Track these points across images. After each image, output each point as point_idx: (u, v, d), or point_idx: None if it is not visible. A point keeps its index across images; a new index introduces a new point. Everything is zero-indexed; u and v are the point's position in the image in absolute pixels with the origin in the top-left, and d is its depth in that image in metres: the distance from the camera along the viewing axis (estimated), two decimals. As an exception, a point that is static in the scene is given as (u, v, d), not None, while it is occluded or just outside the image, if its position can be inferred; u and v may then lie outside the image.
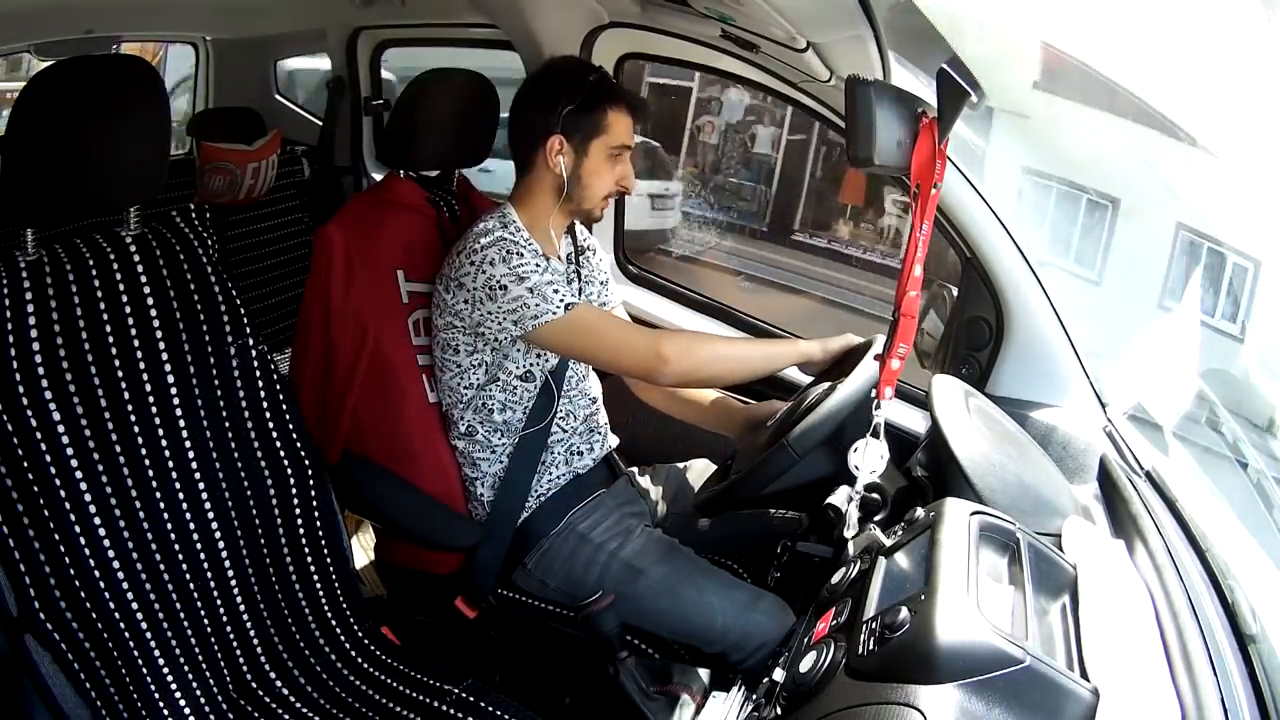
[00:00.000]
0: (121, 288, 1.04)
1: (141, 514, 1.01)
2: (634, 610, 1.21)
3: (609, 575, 1.24)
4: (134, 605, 0.99)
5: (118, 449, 1.00)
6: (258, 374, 1.15)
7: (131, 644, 0.98)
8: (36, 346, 0.96)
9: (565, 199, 1.28)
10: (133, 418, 1.02)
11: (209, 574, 1.07)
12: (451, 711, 1.07)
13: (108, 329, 1.02)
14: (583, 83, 1.26)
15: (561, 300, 1.19)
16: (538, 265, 1.20)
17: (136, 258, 1.06)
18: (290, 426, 1.17)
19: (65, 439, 0.96)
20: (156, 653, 1.00)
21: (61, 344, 0.98)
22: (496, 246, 1.19)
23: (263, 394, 1.15)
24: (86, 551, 0.96)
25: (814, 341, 1.27)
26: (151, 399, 1.04)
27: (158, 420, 1.04)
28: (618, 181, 1.29)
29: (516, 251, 1.19)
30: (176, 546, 1.03)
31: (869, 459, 1.04)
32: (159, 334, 1.05)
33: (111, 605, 0.97)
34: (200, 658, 1.04)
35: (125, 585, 0.98)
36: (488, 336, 1.23)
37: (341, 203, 2.37)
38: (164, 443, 1.04)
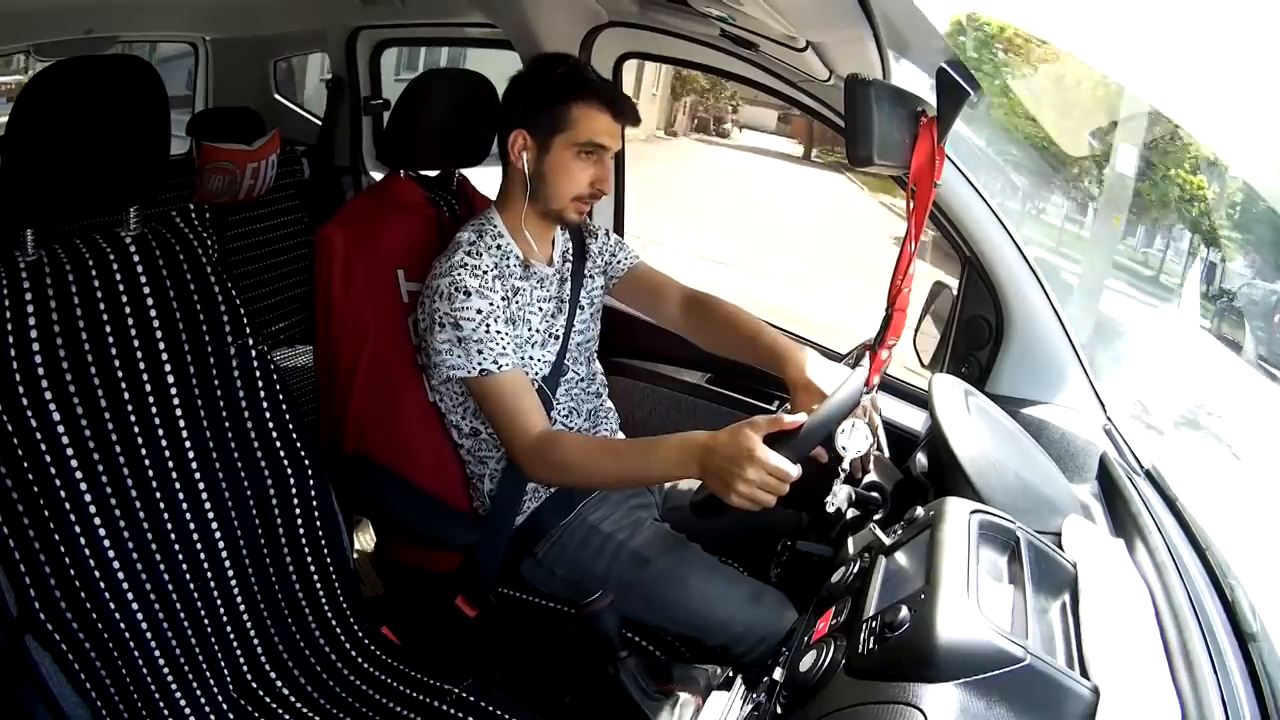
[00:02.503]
0: (121, 288, 1.04)
1: (141, 514, 1.01)
2: (640, 599, 1.21)
3: (617, 564, 1.25)
4: (134, 605, 0.98)
5: (118, 449, 1.00)
6: (258, 374, 1.15)
7: (131, 644, 0.98)
8: (36, 347, 0.96)
9: (531, 197, 1.25)
10: (133, 418, 1.02)
11: (209, 574, 1.07)
12: (451, 711, 1.07)
13: (107, 329, 1.02)
14: (549, 75, 1.22)
15: (479, 364, 1.16)
16: (479, 310, 1.16)
17: (136, 258, 1.06)
18: (290, 426, 1.17)
19: (65, 439, 0.96)
20: (156, 653, 1.00)
21: (61, 344, 0.98)
22: (451, 276, 1.17)
23: (263, 394, 1.15)
24: (86, 551, 0.96)
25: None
26: (151, 399, 1.04)
27: (158, 420, 1.04)
28: (591, 184, 1.24)
29: (463, 289, 1.16)
30: (176, 546, 1.03)
31: (854, 440, 1.05)
32: (159, 334, 1.05)
33: (111, 605, 0.97)
34: (200, 657, 1.04)
35: (125, 585, 0.98)
36: None
37: (341, 203, 2.37)
38: (164, 443, 1.04)
